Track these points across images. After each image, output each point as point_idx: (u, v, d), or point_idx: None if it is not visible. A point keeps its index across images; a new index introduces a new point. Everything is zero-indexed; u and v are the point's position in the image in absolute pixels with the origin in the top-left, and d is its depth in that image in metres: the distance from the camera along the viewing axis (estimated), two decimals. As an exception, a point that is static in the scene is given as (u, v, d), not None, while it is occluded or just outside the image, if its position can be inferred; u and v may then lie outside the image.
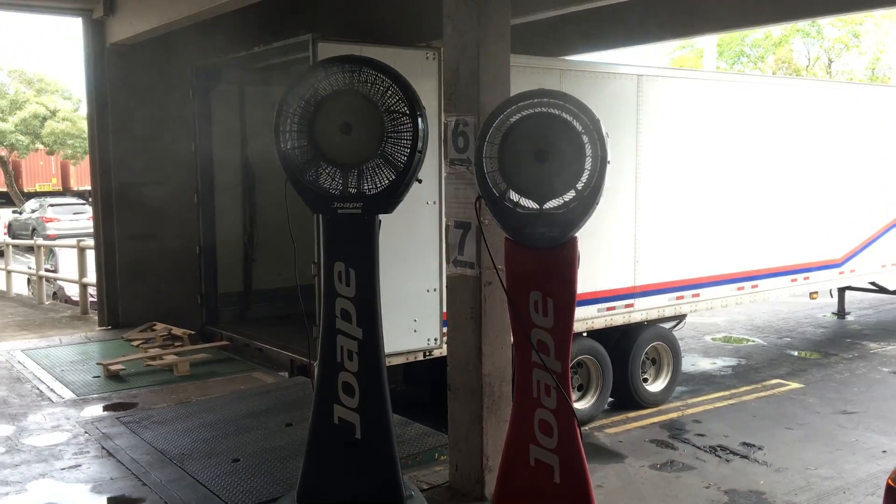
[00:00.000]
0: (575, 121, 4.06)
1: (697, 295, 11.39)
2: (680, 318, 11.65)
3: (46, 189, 42.62)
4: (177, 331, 9.62)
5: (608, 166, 4.04)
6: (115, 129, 10.49)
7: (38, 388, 7.92)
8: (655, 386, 11.14)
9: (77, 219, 28.38)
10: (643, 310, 10.64)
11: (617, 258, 10.21)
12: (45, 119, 34.39)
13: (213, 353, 8.99)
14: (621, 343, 10.64)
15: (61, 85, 37.36)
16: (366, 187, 4.51)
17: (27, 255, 23.59)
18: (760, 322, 15.97)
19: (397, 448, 4.69)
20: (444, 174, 5.68)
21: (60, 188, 43.49)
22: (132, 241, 10.64)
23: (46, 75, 36.86)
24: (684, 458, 9.13)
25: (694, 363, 13.28)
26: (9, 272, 16.00)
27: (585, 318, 10.01)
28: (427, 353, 8.51)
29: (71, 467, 5.86)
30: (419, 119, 4.46)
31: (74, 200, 32.82)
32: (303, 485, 4.66)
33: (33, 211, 30.24)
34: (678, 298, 11.15)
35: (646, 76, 10.39)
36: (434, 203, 8.01)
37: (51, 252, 16.63)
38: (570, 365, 9.07)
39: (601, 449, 9.47)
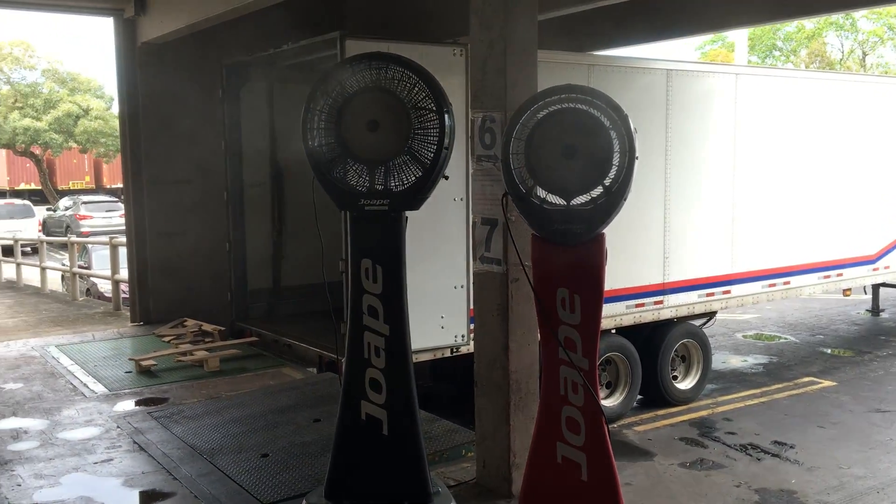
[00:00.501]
0: (603, 116, 4.03)
1: (728, 292, 11.30)
2: (710, 315, 11.57)
3: (80, 187, 43.27)
4: (207, 327, 9.72)
5: (636, 162, 4.01)
6: (147, 127, 10.60)
7: (71, 383, 8.04)
8: (685, 384, 11.06)
9: (110, 216, 28.76)
10: (673, 307, 10.57)
11: (646, 255, 10.15)
12: (78, 118, 34.87)
13: (242, 349, 9.06)
14: (651, 340, 10.58)
15: (94, 83, 37.88)
16: (392, 184, 4.51)
17: (61, 252, 23.94)
18: (792, 319, 15.80)
19: (424, 444, 4.69)
20: (470, 171, 5.67)
21: (93, 186, 44.15)
22: (163, 238, 10.76)
23: (80, 74, 37.40)
24: (714, 456, 9.06)
25: (724, 361, 13.17)
26: (43, 269, 16.25)
27: (614, 314, 9.98)
28: (454, 350, 8.51)
29: (103, 461, 5.94)
30: (446, 116, 4.45)
31: (107, 198, 33.27)
32: (330, 480, 4.69)
33: (67, 208, 30.68)
34: (708, 295, 11.07)
35: (675, 71, 10.32)
36: (461, 199, 8.01)
37: (84, 249, 16.87)
38: (599, 362, 9.03)
39: (630, 447, 9.42)
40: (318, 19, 10.29)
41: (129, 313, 11.56)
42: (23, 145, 35.95)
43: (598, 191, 4.05)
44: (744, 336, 14.89)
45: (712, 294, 11.12)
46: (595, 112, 4.02)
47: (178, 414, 6.97)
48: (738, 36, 24.91)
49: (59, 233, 28.93)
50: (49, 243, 22.21)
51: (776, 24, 28.08)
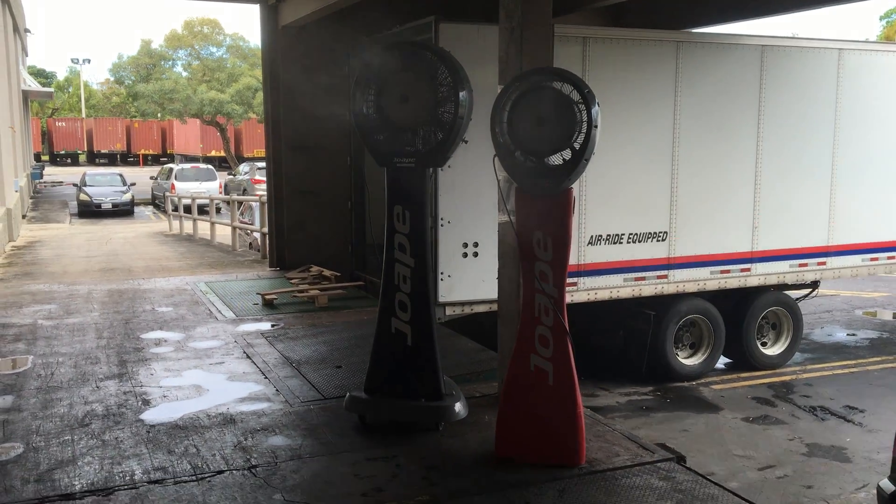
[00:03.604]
0: (572, 93, 5.00)
1: (823, 263, 11.53)
2: (812, 285, 11.82)
3: (262, 154, 47.08)
4: (327, 272, 11.30)
5: (595, 131, 4.96)
6: (286, 99, 12.26)
7: (209, 310, 9.83)
8: (773, 350, 11.50)
9: (280, 180, 31.37)
10: (761, 275, 11.01)
11: (734, 224, 10.64)
12: (257, 90, 37.99)
13: (349, 290, 10.56)
14: (737, 306, 11.08)
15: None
16: (419, 146, 5.69)
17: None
18: (928, 299, 15.47)
19: (439, 354, 5.85)
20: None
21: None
22: (297, 197, 12.45)
23: (259, 49, 40.57)
24: (779, 414, 9.61)
25: (831, 334, 13.32)
26: (212, 223, 18.67)
27: (696, 279, 10.61)
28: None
29: (216, 363, 7.56)
30: (461, 92, 5.55)
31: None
32: (368, 379, 5.96)
33: (245, 173, 33.80)
34: (801, 266, 11.38)
35: (769, 47, 10.67)
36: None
37: (250, 207, 19.11)
38: (679, 322, 9.80)
39: (700, 401, 10.12)
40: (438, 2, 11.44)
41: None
42: (209, 115, 39.78)
43: (567, 153, 5.04)
44: (864, 312, 14.83)
45: (805, 265, 11.41)
46: (564, 90, 5.00)
47: (283, 335, 8.53)
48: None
49: (238, 194, 32.00)
50: (226, 203, 24.96)
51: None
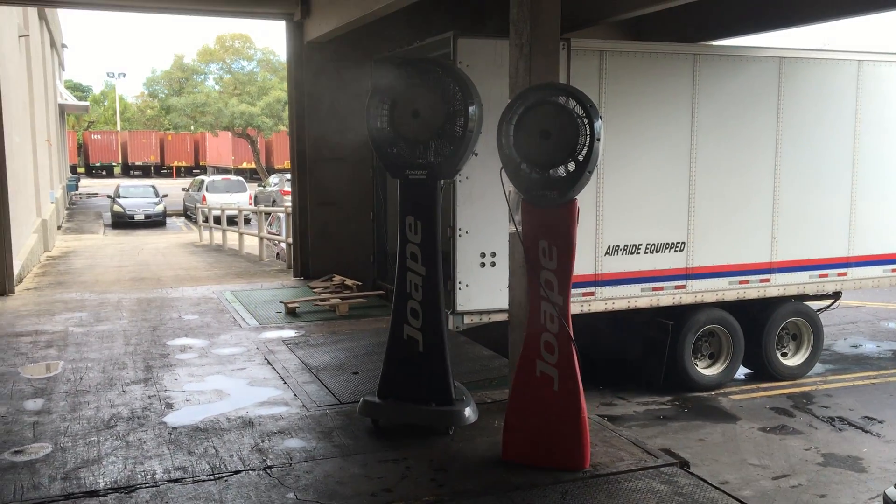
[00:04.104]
0: (576, 107, 5.18)
1: (844, 274, 11.55)
2: (834, 296, 11.83)
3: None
4: (349, 282, 11.54)
5: (598, 144, 5.12)
6: (310, 113, 12.56)
7: (233, 318, 10.11)
8: (793, 360, 11.53)
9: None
10: (780, 285, 11.07)
11: (753, 235, 10.73)
12: (286, 103, 38.49)
13: (371, 300, 10.79)
14: (756, 316, 11.13)
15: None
16: (431, 159, 5.89)
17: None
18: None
19: (450, 360, 6.03)
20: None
21: (301, 165, 48.27)
22: (321, 208, 12.73)
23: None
24: (797, 424, 9.65)
25: (855, 345, 13.28)
26: (240, 234, 19.04)
27: (715, 289, 10.71)
28: (528, 313, 9.64)
29: (238, 369, 7.81)
30: (470, 107, 5.75)
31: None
32: (381, 384, 6.16)
33: (274, 185, 34.29)
34: (821, 276, 11.42)
35: (787, 59, 10.77)
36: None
37: (277, 218, 19.46)
38: (698, 332, 9.88)
39: (718, 411, 10.19)
40: (455, 17, 11.71)
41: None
42: (240, 128, 40.42)
43: (571, 165, 5.21)
44: (893, 325, 14.76)
45: (825, 275, 11.45)
46: (568, 104, 5.17)
47: (303, 342, 8.76)
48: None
49: (268, 206, 32.48)
50: (252, 213, 25.38)
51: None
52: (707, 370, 10.92)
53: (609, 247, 10.07)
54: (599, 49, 9.82)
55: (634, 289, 10.30)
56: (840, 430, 9.40)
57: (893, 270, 11.92)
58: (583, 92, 5.25)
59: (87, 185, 50.14)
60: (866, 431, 9.25)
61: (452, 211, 8.97)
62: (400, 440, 5.90)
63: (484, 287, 8.89)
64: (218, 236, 21.06)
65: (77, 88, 71.74)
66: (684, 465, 5.48)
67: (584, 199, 9.68)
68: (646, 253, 10.30)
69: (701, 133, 10.29)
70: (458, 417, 5.93)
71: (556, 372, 5.35)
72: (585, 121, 5.09)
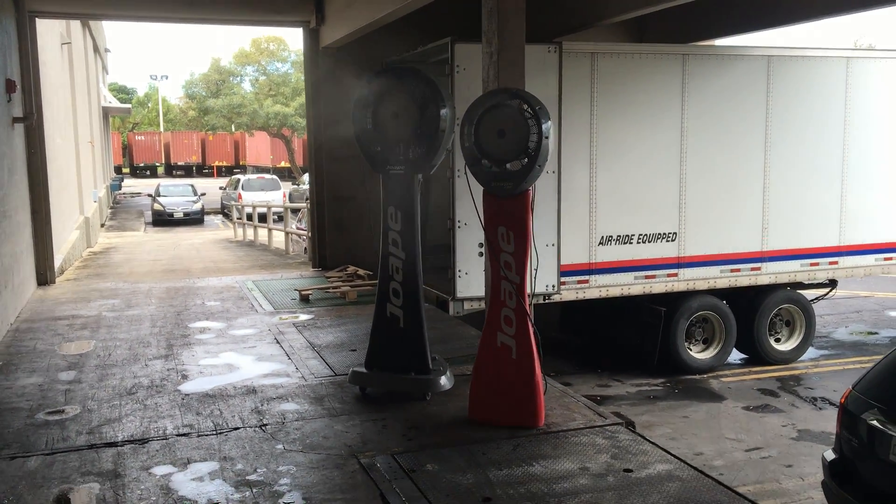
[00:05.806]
0: (527, 109, 5.88)
1: (835, 263, 12.04)
2: (830, 284, 12.31)
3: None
4: (361, 272, 12.35)
5: (547, 141, 5.82)
6: (326, 114, 13.39)
7: (251, 304, 10.97)
8: (786, 345, 12.06)
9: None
10: (771, 273, 11.60)
11: (744, 225, 11.28)
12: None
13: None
14: (749, 303, 11.67)
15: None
16: (409, 156, 6.63)
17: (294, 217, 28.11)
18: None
19: (427, 335, 6.75)
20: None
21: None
22: (337, 202, 13.55)
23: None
24: (779, 404, 10.22)
25: (853, 332, 13.67)
26: (269, 230, 19.99)
27: (707, 277, 11.30)
28: (546, 298, 10.35)
29: (249, 347, 8.65)
30: (442, 109, 6.47)
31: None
32: (367, 357, 6.92)
33: (307, 183, 35.25)
34: (812, 265, 11.93)
35: (776, 57, 11.30)
36: (553, 172, 9.76)
37: (306, 214, 20.35)
38: (690, 318, 10.44)
39: (707, 392, 10.78)
40: (460, 22, 12.37)
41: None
42: (274, 128, 41.57)
43: (524, 160, 5.92)
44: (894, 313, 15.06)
45: (816, 264, 11.94)
46: (520, 107, 5.88)
47: (311, 325, 9.58)
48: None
49: (300, 203, 33.44)
50: (283, 209, 26.32)
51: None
52: (700, 354, 11.49)
53: (603, 237, 10.71)
54: (591, 51, 10.47)
55: (628, 277, 10.94)
56: (819, 409, 9.93)
57: (886, 259, 12.36)
58: (534, 96, 5.96)
59: (131, 184, 51.86)
60: (845, 410, 9.72)
61: (452, 204, 9.69)
62: (382, 404, 6.66)
63: (481, 275, 9.59)
64: (251, 233, 22.05)
65: (122, 91, 73.86)
66: (629, 424, 6.15)
67: (579, 192, 10.40)
68: (638, 243, 10.92)
69: (691, 128, 10.88)
70: (434, 385, 6.67)
71: (514, 342, 6.05)
72: (533, 122, 5.79)
